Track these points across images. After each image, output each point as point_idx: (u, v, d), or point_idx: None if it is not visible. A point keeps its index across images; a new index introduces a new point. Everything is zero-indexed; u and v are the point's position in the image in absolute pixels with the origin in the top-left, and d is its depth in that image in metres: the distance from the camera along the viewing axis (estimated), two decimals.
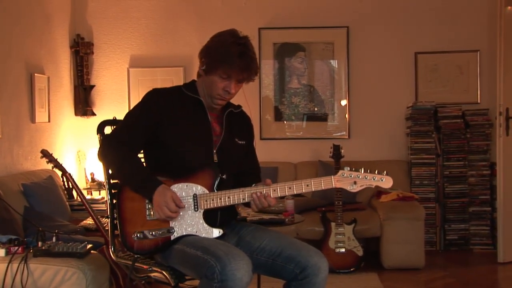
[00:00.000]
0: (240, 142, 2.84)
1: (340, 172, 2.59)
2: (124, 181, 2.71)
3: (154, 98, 2.73)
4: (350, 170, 2.59)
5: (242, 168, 2.86)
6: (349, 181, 2.58)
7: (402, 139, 6.17)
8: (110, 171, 2.88)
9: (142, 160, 2.84)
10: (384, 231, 5.18)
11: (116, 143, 2.67)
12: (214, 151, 2.73)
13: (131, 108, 2.82)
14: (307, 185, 2.60)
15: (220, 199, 2.62)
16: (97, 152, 2.74)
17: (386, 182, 2.58)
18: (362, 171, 2.59)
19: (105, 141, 2.76)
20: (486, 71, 6.07)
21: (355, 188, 2.59)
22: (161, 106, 2.69)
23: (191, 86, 2.82)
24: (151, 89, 2.79)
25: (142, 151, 2.83)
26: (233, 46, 2.61)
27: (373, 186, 2.59)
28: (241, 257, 2.39)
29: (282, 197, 4.63)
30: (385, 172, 2.60)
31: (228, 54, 2.60)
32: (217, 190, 2.65)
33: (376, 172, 2.59)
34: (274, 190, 2.62)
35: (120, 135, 2.71)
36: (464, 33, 6.11)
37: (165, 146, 2.69)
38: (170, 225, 2.63)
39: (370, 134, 6.22)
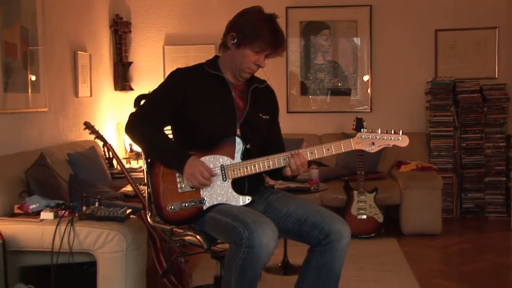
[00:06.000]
0: (264, 117, 2.84)
1: (358, 134, 2.61)
2: (155, 157, 2.73)
3: (178, 77, 2.77)
4: (368, 131, 2.61)
5: (266, 142, 2.87)
6: (367, 142, 2.60)
7: (421, 113, 6.26)
8: (138, 147, 2.88)
9: (170, 136, 2.86)
10: (404, 199, 5.30)
11: (143, 121, 2.70)
12: (238, 125, 2.74)
13: (157, 87, 2.84)
14: (328, 149, 2.62)
15: (246, 168, 2.66)
16: (125, 126, 2.78)
17: (402, 141, 2.59)
18: (379, 132, 2.60)
19: (133, 117, 2.75)
20: (504, 47, 6.12)
21: (373, 149, 2.61)
22: (185, 85, 2.72)
23: (213, 63, 2.83)
24: (174, 69, 2.84)
25: (170, 128, 2.86)
26: (266, 23, 2.66)
27: (391, 146, 2.60)
28: (268, 224, 2.41)
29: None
30: (401, 131, 2.60)
31: (263, 30, 2.64)
32: (242, 159, 2.68)
33: (392, 132, 2.60)
34: None
35: (147, 113, 2.73)
36: (483, 11, 6.15)
37: (191, 123, 2.72)
38: (201, 196, 2.67)
39: (391, 108, 6.30)
